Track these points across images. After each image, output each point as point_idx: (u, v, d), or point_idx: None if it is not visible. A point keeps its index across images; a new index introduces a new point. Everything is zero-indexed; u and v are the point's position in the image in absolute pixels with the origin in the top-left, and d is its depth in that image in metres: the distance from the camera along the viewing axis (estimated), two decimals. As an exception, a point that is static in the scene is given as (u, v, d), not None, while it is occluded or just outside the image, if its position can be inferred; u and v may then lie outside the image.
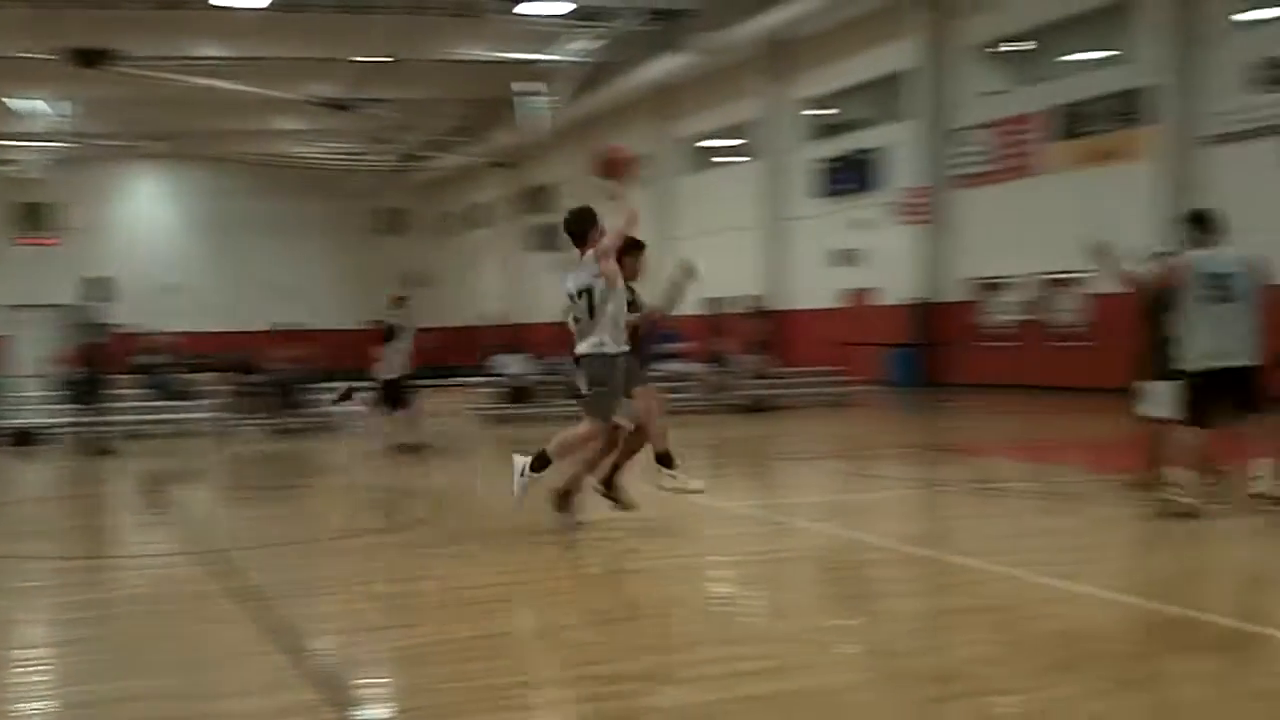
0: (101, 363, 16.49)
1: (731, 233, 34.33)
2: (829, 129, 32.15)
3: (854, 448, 15.90)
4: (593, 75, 35.19)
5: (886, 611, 6.68)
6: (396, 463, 14.43)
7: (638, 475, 9.17)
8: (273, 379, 18.52)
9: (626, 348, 8.40)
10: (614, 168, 8.64)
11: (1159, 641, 5.87)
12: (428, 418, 16.17)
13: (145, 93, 34.22)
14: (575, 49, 33.66)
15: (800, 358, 29.21)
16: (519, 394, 20.52)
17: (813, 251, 31.49)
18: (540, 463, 8.36)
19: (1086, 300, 24.55)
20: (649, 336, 10.11)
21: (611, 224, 8.53)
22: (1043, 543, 8.55)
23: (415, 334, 15.75)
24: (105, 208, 48.36)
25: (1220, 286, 8.86)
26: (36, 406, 18.45)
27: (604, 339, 8.26)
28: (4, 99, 36.84)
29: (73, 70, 30.31)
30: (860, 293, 30.20)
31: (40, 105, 37.84)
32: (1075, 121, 24.37)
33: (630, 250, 8.70)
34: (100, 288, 28.14)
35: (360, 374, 17.21)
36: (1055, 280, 25.29)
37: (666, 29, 31.93)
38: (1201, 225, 9.38)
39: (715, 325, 24.86)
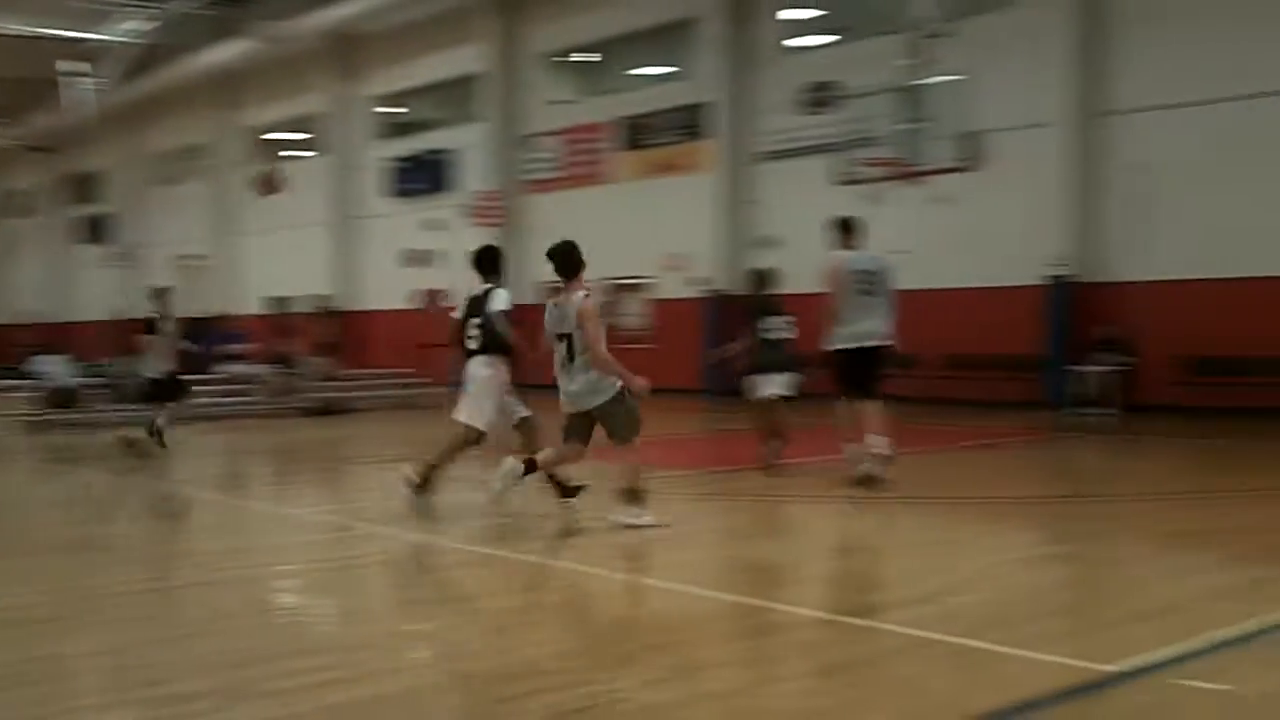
0: None
1: (299, 230, 33.39)
2: (400, 128, 31.96)
3: (427, 451, 15.81)
4: (146, 58, 33.17)
5: (460, 613, 6.67)
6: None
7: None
8: None
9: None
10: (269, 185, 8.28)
11: (718, 629, 6.19)
12: None
13: None
14: (126, 29, 31.59)
15: (373, 359, 28.81)
16: (61, 398, 18.89)
17: (385, 251, 31.14)
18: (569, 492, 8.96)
19: (650, 305, 25.78)
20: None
21: None
22: (611, 538, 8.84)
23: None
24: None
25: (867, 281, 10.26)
26: None
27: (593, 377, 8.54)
28: None
29: None
30: (434, 293, 30.15)
31: None
32: (641, 133, 25.53)
33: None
34: None
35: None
36: (622, 285, 26.34)
37: (227, 14, 30.60)
38: (846, 230, 10.68)
39: (281, 326, 24.00)
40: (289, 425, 18.74)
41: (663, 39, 26.07)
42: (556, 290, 8.90)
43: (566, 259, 8.95)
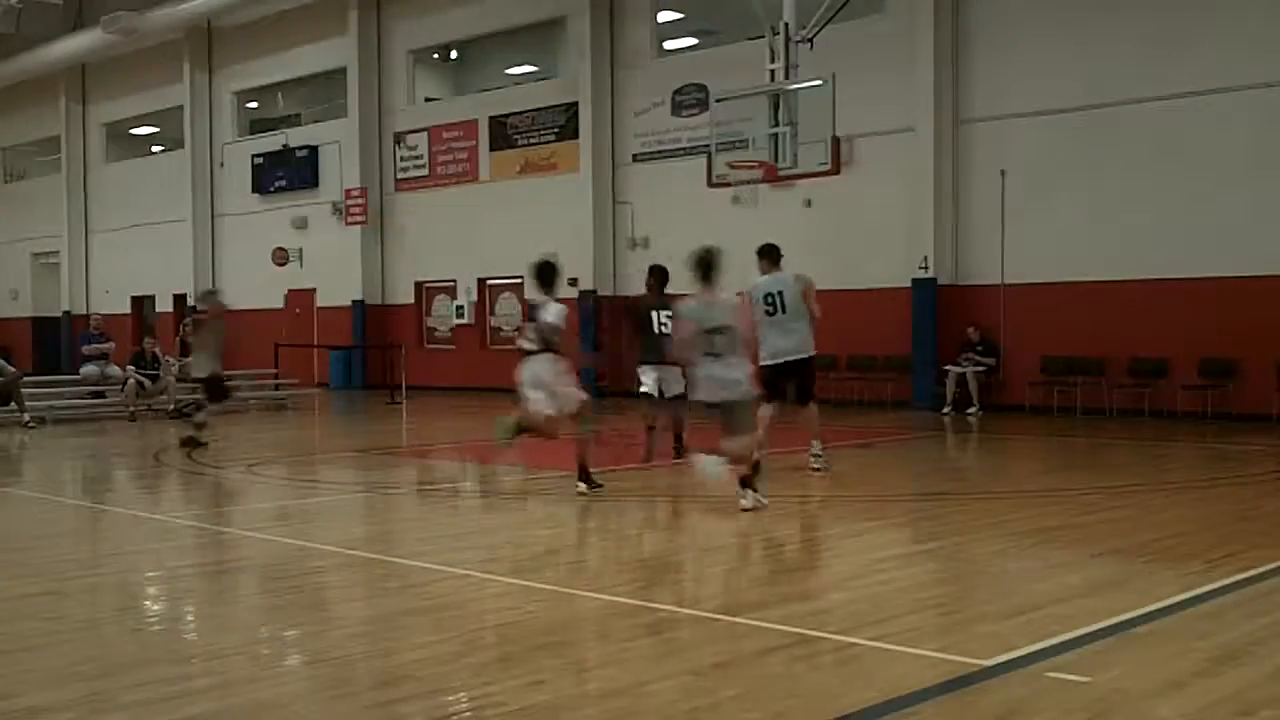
0: None
1: (159, 227, 32.47)
2: (266, 123, 31.26)
3: (294, 453, 15.52)
4: (-2, 47, 31.99)
5: (333, 618, 6.53)
6: None
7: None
8: None
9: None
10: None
11: (599, 630, 6.17)
12: None
13: None
14: (-25, 18, 30.44)
15: (238, 360, 28.15)
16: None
17: (249, 249, 30.42)
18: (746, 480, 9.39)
19: (522, 305, 25.64)
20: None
21: None
22: (487, 540, 8.78)
23: None
24: None
25: (770, 303, 11.26)
26: None
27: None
28: None
29: None
30: (299, 293, 29.61)
31: None
32: (511, 132, 25.38)
33: None
34: None
35: None
36: (495, 285, 26.21)
37: (77, 4, 29.66)
38: (760, 256, 11.62)
39: (142, 325, 23.32)
40: (150, 426, 18.22)
41: (533, 38, 25.99)
42: (704, 290, 9.57)
43: (711, 265, 9.58)
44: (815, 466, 11.51)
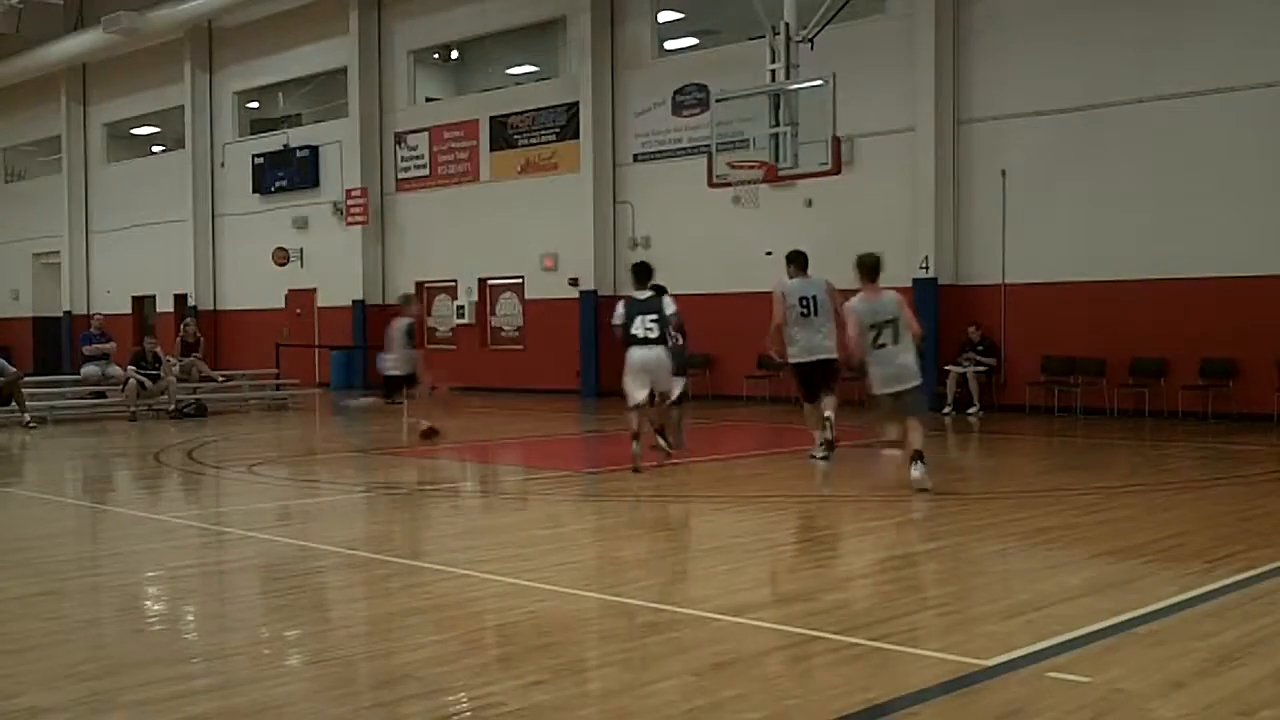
0: None
1: (160, 227, 32.48)
2: (267, 123, 31.26)
3: (295, 453, 15.53)
4: (-2, 48, 32.01)
5: (334, 618, 6.54)
6: None
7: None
8: None
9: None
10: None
11: (597, 630, 6.18)
12: None
13: None
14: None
15: (238, 360, 28.19)
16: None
17: (250, 249, 30.42)
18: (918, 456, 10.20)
19: (522, 305, 25.68)
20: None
21: None
22: (486, 540, 8.78)
23: None
24: None
25: (806, 306, 12.22)
26: None
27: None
28: None
29: None
30: (299, 293, 29.61)
31: None
32: (511, 132, 25.38)
33: None
34: None
35: None
36: (495, 285, 26.23)
37: (77, 4, 29.68)
38: (790, 261, 12.62)
39: (143, 325, 23.33)
40: (151, 427, 18.23)
41: (533, 38, 25.99)
42: (871, 289, 10.67)
43: (877, 267, 10.79)
44: (826, 436, 12.30)
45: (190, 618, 6.63)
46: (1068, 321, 18.19)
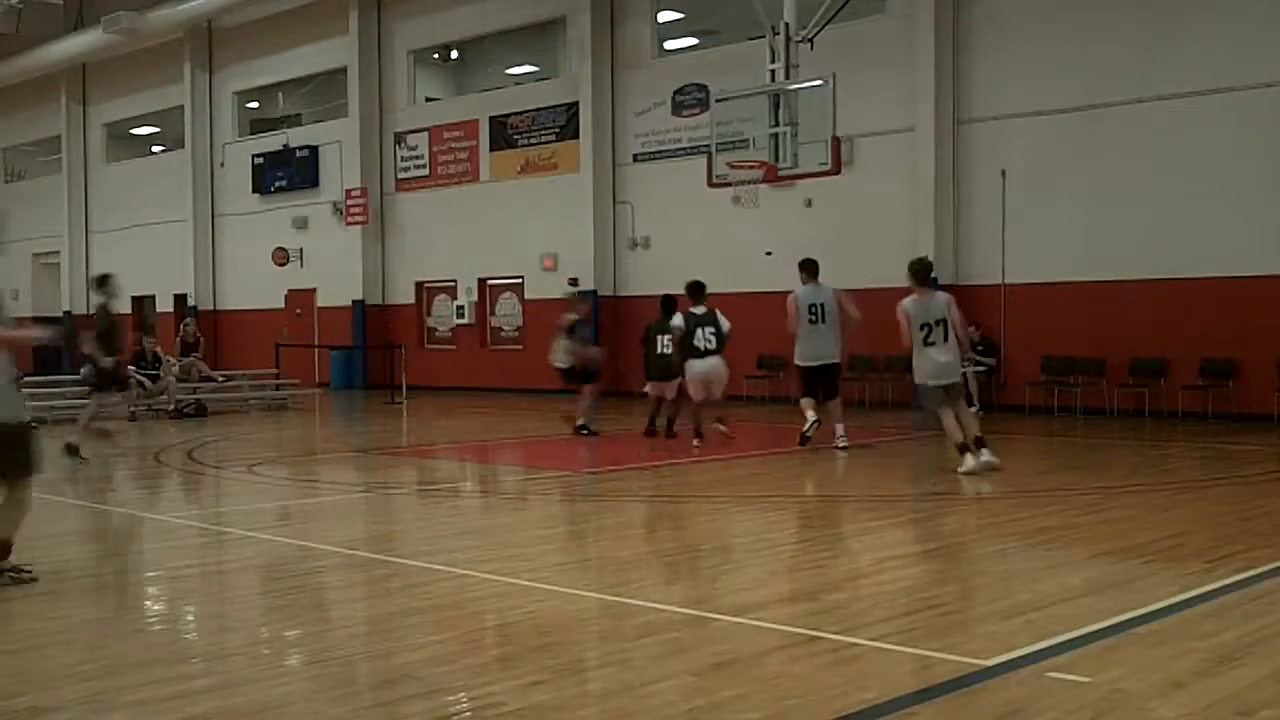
0: None
1: (159, 227, 32.46)
2: (267, 123, 31.26)
3: (295, 453, 15.53)
4: (-2, 48, 31.99)
5: (334, 618, 6.54)
6: None
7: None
8: None
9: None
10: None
11: (597, 630, 6.18)
12: None
13: None
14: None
15: (238, 360, 28.18)
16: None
17: (250, 249, 30.41)
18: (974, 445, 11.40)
19: (522, 305, 25.68)
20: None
21: None
22: (486, 540, 8.78)
23: None
24: None
25: (814, 313, 13.30)
26: None
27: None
28: None
29: None
30: (299, 293, 29.61)
31: None
32: (511, 132, 25.38)
33: None
34: None
35: None
36: (495, 285, 26.22)
37: (77, 4, 29.66)
38: (801, 269, 13.61)
39: (142, 325, 23.32)
40: (151, 427, 18.22)
41: (533, 38, 25.98)
42: (923, 291, 11.62)
43: (927, 271, 11.81)
44: (840, 446, 13.24)
45: (190, 618, 6.63)
46: (1068, 321, 18.19)
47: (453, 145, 26.45)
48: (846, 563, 7.79)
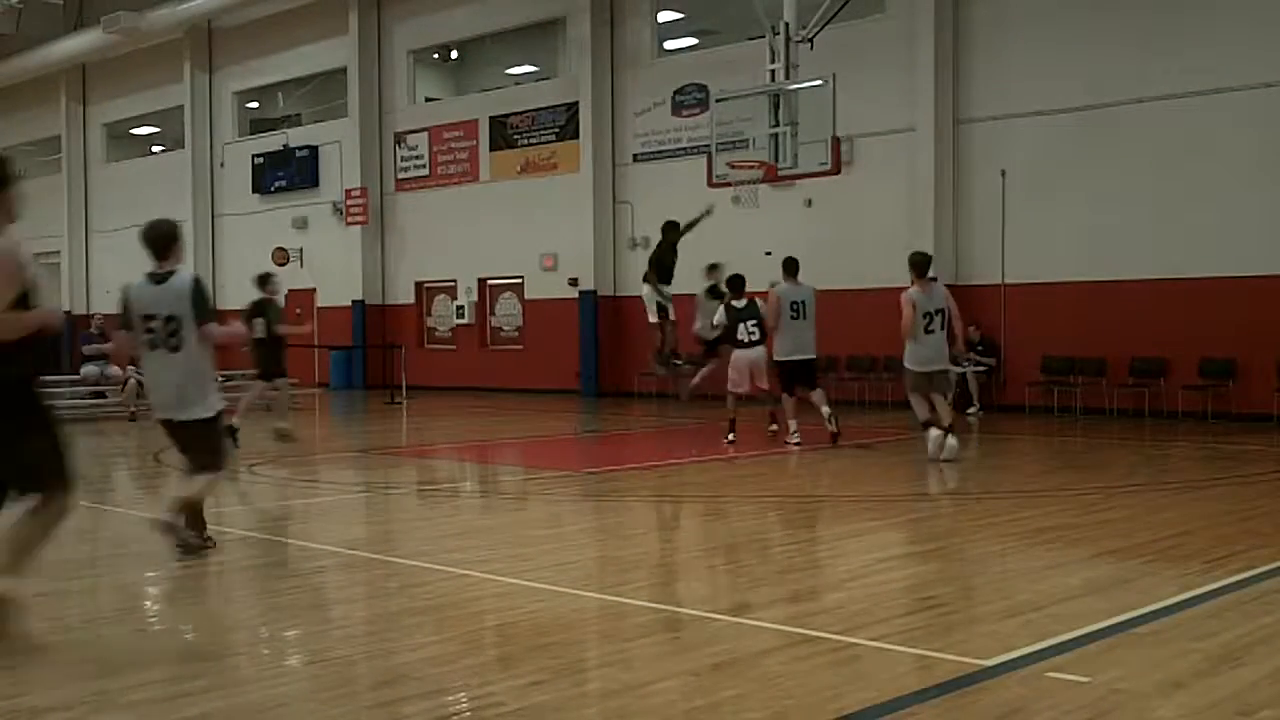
0: None
1: (160, 227, 32.40)
2: (267, 123, 31.25)
3: (295, 453, 15.51)
4: (-2, 48, 31.97)
5: (334, 618, 6.53)
6: None
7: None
8: None
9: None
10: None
11: (597, 630, 6.17)
12: None
13: None
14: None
15: (237, 360, 28.14)
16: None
17: (249, 249, 30.36)
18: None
19: (522, 305, 25.67)
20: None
21: None
22: (486, 540, 8.78)
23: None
24: None
25: (796, 311, 13.71)
26: None
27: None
28: None
29: None
30: (299, 293, 29.57)
31: None
32: (512, 132, 25.37)
33: None
34: None
35: None
36: (495, 285, 26.22)
37: (77, 4, 29.64)
38: (784, 268, 14.09)
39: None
40: (152, 428, 18.19)
41: (533, 38, 25.97)
42: (923, 282, 12.26)
43: (926, 264, 12.37)
44: (832, 430, 13.74)
45: (189, 618, 6.62)
46: (1068, 321, 18.19)
47: (452, 145, 26.45)
48: (846, 563, 7.78)
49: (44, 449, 5.55)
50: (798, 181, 18.27)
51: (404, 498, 11.17)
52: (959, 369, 18.51)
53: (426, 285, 27.43)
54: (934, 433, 12.07)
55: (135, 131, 35.27)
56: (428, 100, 27.50)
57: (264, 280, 15.56)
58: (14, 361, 5.41)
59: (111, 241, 34.53)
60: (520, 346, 25.66)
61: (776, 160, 15.50)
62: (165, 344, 7.34)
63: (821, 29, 15.67)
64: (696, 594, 6.99)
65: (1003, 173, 18.78)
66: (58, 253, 36.21)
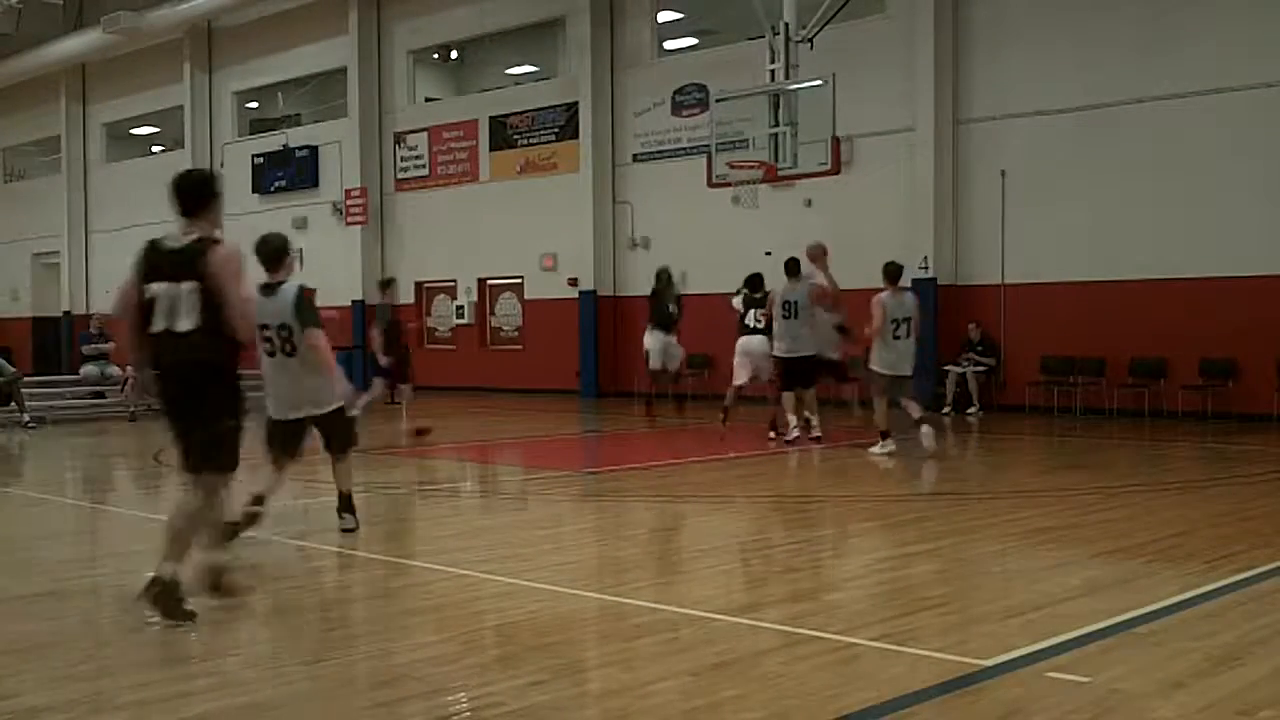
0: None
1: (159, 227, 32.38)
2: (266, 123, 31.24)
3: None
4: (-3, 48, 31.96)
5: (335, 618, 6.54)
6: None
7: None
8: None
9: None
10: None
11: (596, 630, 6.17)
12: None
13: None
14: (-25, 18, 30.41)
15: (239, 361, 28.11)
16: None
17: (249, 249, 30.28)
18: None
19: (522, 305, 25.66)
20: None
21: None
22: (486, 540, 8.78)
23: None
24: None
25: (788, 310, 13.88)
26: None
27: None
28: None
29: None
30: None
31: None
32: (512, 132, 25.36)
33: None
34: None
35: None
36: (495, 285, 26.21)
37: (77, 4, 29.63)
38: (787, 269, 14.08)
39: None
40: (151, 427, 18.20)
41: (533, 38, 25.96)
42: (895, 289, 12.90)
43: (899, 273, 12.98)
44: (815, 436, 14.11)
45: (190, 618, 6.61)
46: (1067, 321, 18.18)
47: (452, 145, 26.44)
48: (846, 562, 7.79)
49: (228, 431, 6.08)
50: (797, 182, 18.27)
51: (404, 498, 11.17)
52: (959, 369, 18.54)
53: (426, 285, 27.42)
54: (887, 445, 12.80)
55: (135, 131, 35.25)
56: (427, 100, 27.49)
57: (386, 284, 16.76)
58: (218, 350, 6.08)
59: (111, 241, 34.55)
60: (520, 346, 25.65)
61: (776, 160, 15.50)
62: (281, 350, 8.24)
63: (821, 29, 15.67)
64: (696, 594, 6.99)
65: (1002, 173, 18.77)
66: (57, 252, 36.22)
